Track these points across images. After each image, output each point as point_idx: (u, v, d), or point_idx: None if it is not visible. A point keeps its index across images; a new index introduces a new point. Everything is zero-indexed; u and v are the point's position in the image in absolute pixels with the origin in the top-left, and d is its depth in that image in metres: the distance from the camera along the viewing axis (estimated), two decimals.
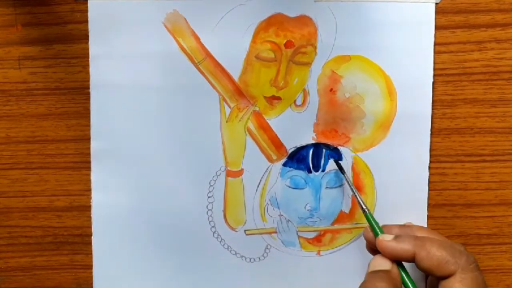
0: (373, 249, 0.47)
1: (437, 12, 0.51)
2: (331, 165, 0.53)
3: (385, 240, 0.45)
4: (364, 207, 0.49)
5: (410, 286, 0.45)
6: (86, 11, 0.51)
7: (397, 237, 0.45)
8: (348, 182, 0.51)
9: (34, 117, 0.53)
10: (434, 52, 0.51)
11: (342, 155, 0.52)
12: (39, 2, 0.52)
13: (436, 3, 0.51)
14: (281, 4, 0.51)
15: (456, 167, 0.53)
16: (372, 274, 0.44)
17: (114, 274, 0.54)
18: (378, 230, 0.47)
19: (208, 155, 0.52)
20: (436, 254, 0.43)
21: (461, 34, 0.51)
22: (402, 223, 0.50)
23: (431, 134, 0.52)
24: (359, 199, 0.49)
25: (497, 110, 0.52)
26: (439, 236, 0.48)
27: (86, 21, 0.51)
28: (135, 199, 0.53)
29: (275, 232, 0.53)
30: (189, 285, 0.54)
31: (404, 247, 0.44)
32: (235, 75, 0.52)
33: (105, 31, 0.51)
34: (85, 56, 0.52)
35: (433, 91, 0.52)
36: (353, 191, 0.50)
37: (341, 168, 0.51)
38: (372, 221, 0.48)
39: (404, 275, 0.45)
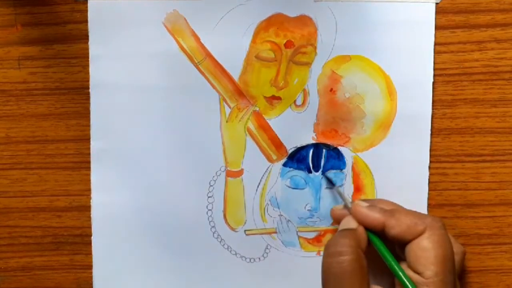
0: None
1: (437, 12, 0.51)
2: (331, 165, 0.53)
3: (359, 205, 0.48)
4: (349, 204, 0.50)
5: (378, 244, 0.47)
6: (86, 11, 0.51)
7: (369, 206, 0.48)
8: (340, 195, 0.52)
9: (34, 117, 0.53)
10: (434, 52, 0.51)
11: (342, 155, 0.52)
12: (39, 2, 0.52)
13: (436, 3, 0.51)
14: (281, 4, 0.51)
15: (456, 167, 0.52)
16: (339, 232, 0.47)
17: (114, 274, 0.54)
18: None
19: (208, 155, 0.52)
20: (404, 219, 0.46)
21: (461, 34, 0.51)
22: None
23: (431, 134, 0.52)
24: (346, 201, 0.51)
25: (497, 110, 0.52)
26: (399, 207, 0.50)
27: (86, 21, 0.51)
28: (135, 199, 0.53)
29: (275, 232, 0.53)
30: (189, 285, 0.54)
31: (374, 215, 0.47)
32: (235, 75, 0.52)
33: (105, 31, 0.51)
34: (85, 56, 0.52)
35: (433, 91, 0.52)
36: (337, 190, 0.52)
37: (331, 182, 0.52)
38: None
39: (372, 236, 0.47)
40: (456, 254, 0.47)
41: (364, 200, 0.50)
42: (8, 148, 0.53)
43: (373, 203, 0.49)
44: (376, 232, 0.47)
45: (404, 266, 0.46)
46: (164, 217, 0.53)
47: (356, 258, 0.44)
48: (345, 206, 0.50)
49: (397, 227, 0.46)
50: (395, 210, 0.47)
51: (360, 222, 0.47)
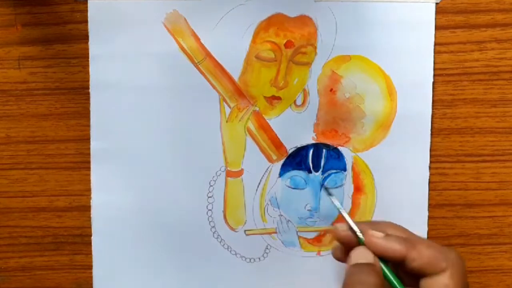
0: (341, 257, 0.47)
1: (437, 12, 0.51)
2: (331, 165, 0.53)
3: (375, 236, 0.45)
4: (359, 233, 0.46)
5: (394, 280, 0.44)
6: (86, 11, 0.51)
7: (386, 236, 0.45)
8: (337, 207, 0.49)
9: (34, 117, 0.53)
10: (434, 52, 0.51)
11: (342, 155, 0.52)
12: (39, 2, 0.52)
13: (436, 3, 0.51)
14: (281, 4, 0.51)
15: (456, 167, 0.52)
16: (357, 268, 0.44)
17: (114, 274, 0.54)
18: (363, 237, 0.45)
19: (208, 155, 0.52)
20: (426, 253, 0.44)
21: (461, 34, 0.51)
22: (398, 223, 0.48)
23: (431, 134, 0.52)
24: (351, 223, 0.46)
25: (497, 110, 0.52)
26: (413, 234, 0.47)
27: (86, 21, 0.51)
28: (135, 199, 0.53)
29: (275, 232, 0.53)
30: (189, 285, 0.54)
31: (394, 247, 0.44)
32: (235, 75, 0.52)
33: (105, 31, 0.51)
34: (85, 56, 0.52)
35: (433, 91, 0.52)
36: (343, 216, 0.47)
37: (330, 193, 0.51)
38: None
39: (386, 270, 0.45)
40: None
41: (368, 224, 0.46)
42: (8, 148, 0.53)
43: (382, 229, 0.45)
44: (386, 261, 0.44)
45: None
46: (164, 217, 0.53)
47: None
48: (350, 228, 0.46)
49: (418, 260, 0.43)
50: (415, 241, 0.44)
51: (378, 254, 0.44)
